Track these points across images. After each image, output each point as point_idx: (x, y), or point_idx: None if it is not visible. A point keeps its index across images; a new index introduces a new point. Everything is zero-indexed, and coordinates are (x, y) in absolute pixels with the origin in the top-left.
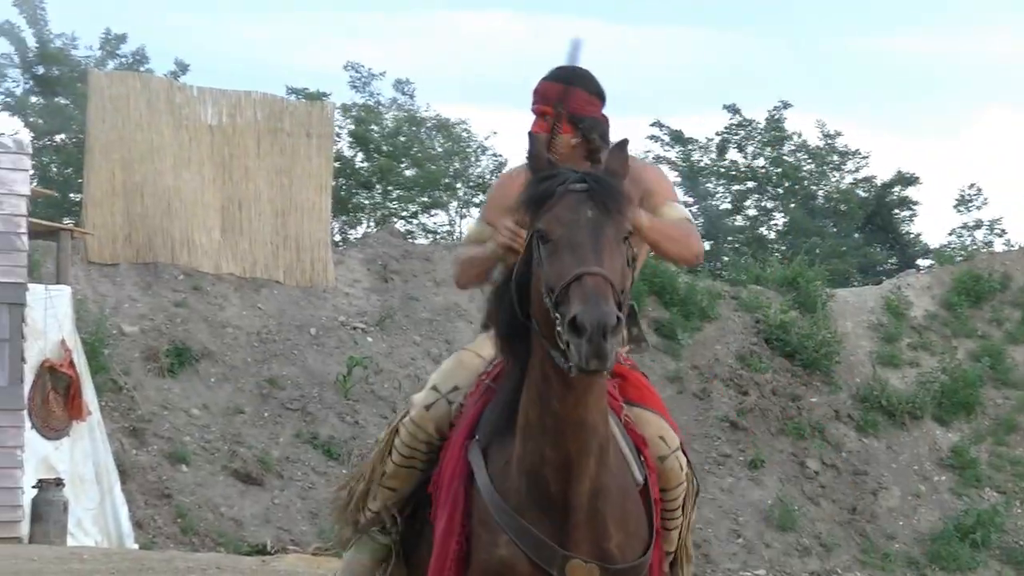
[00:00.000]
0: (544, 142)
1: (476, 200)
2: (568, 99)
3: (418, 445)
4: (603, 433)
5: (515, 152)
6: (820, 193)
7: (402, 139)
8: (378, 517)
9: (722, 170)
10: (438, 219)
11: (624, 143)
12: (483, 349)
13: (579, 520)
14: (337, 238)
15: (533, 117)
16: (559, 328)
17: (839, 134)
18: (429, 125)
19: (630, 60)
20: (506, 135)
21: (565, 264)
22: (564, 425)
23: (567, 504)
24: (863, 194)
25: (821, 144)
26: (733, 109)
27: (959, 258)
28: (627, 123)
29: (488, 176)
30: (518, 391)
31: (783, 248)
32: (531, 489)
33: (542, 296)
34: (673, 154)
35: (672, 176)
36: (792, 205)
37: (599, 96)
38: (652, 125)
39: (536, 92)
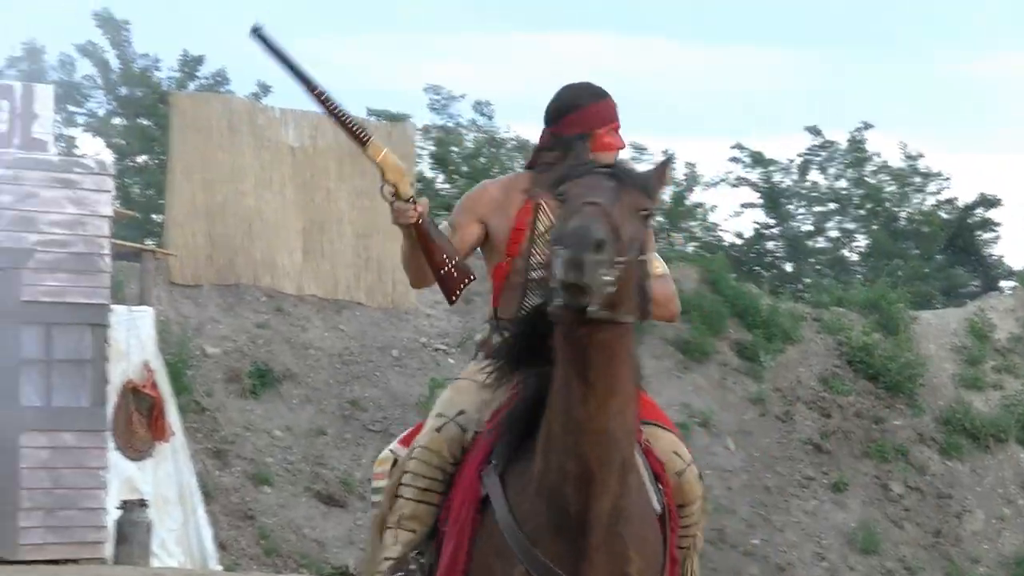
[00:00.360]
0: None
1: None
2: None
3: (433, 473)
4: (626, 449)
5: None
6: (902, 215)
7: (482, 160)
8: (400, 563)
9: (803, 192)
10: None
11: (671, 159)
12: (479, 376)
13: (598, 542)
14: None
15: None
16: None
17: (921, 155)
18: (509, 146)
19: (711, 81)
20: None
21: (567, 210)
22: (586, 435)
23: (587, 524)
24: (945, 216)
25: (903, 165)
26: (815, 130)
27: None
28: (708, 145)
29: None
30: (533, 410)
31: (865, 270)
32: (550, 509)
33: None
34: (754, 176)
35: (753, 197)
36: (874, 227)
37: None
38: (733, 147)
39: (594, 115)
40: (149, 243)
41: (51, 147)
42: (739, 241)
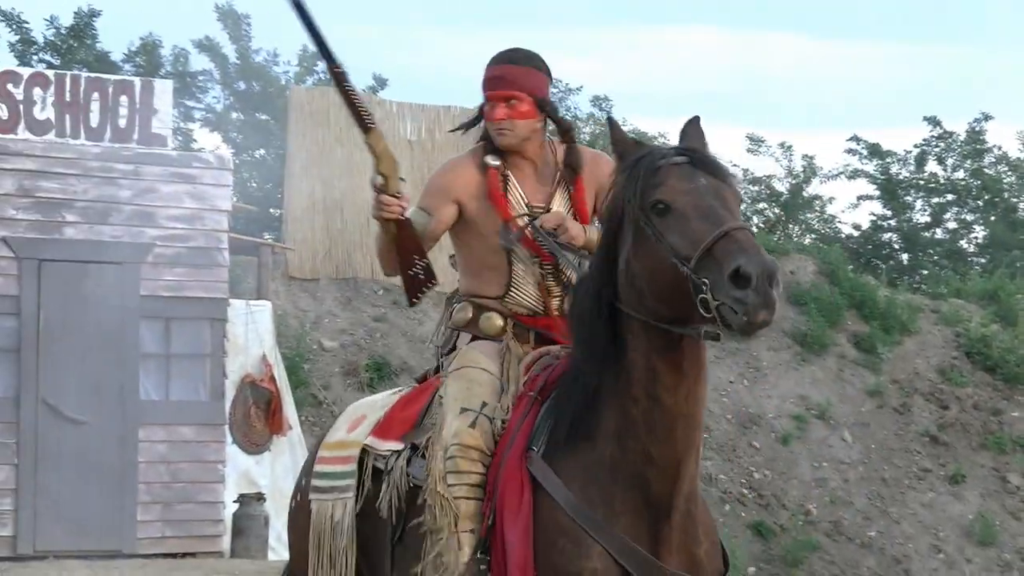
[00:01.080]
0: (620, 126)
1: None
2: (537, 81)
3: (475, 467)
4: (702, 430)
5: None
6: (1021, 205)
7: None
8: (471, 565)
9: (921, 183)
10: None
11: (697, 120)
12: (483, 363)
13: (675, 524)
14: None
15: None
16: (706, 293)
17: None
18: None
19: (829, 74)
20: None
21: (699, 228)
22: (676, 420)
23: (669, 507)
24: None
25: (1022, 156)
26: (933, 121)
27: None
28: (825, 137)
29: None
30: (591, 396)
31: (983, 261)
32: (628, 494)
33: (668, 268)
34: (871, 167)
35: (870, 189)
36: (992, 218)
37: (549, 76)
38: (850, 140)
39: (499, 77)
40: (267, 237)
41: (170, 142)
42: (856, 233)
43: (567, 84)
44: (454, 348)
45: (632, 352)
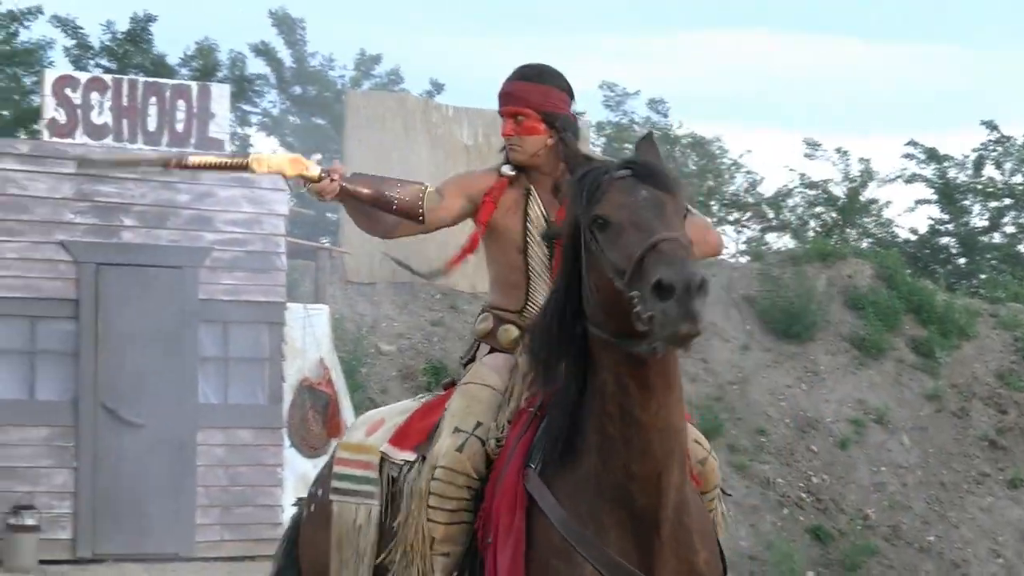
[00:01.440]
0: (574, 142)
1: (730, 217)
2: (546, 98)
3: (460, 493)
4: (684, 437)
5: (769, 169)
6: None
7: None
8: None
9: (979, 187)
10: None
11: (650, 135)
12: (488, 378)
13: (666, 536)
14: None
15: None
16: (638, 306)
17: None
18: (683, 143)
19: (885, 78)
20: (760, 152)
21: (633, 240)
22: (650, 434)
23: (656, 520)
24: None
25: None
26: (991, 125)
27: None
28: (882, 142)
29: (742, 193)
30: (574, 412)
31: None
32: (614, 509)
33: (608, 283)
34: (928, 171)
35: (927, 193)
36: None
37: (569, 93)
38: (907, 144)
39: (508, 93)
40: (324, 242)
41: (227, 146)
42: (914, 237)
43: (624, 88)
44: (474, 359)
45: (602, 369)
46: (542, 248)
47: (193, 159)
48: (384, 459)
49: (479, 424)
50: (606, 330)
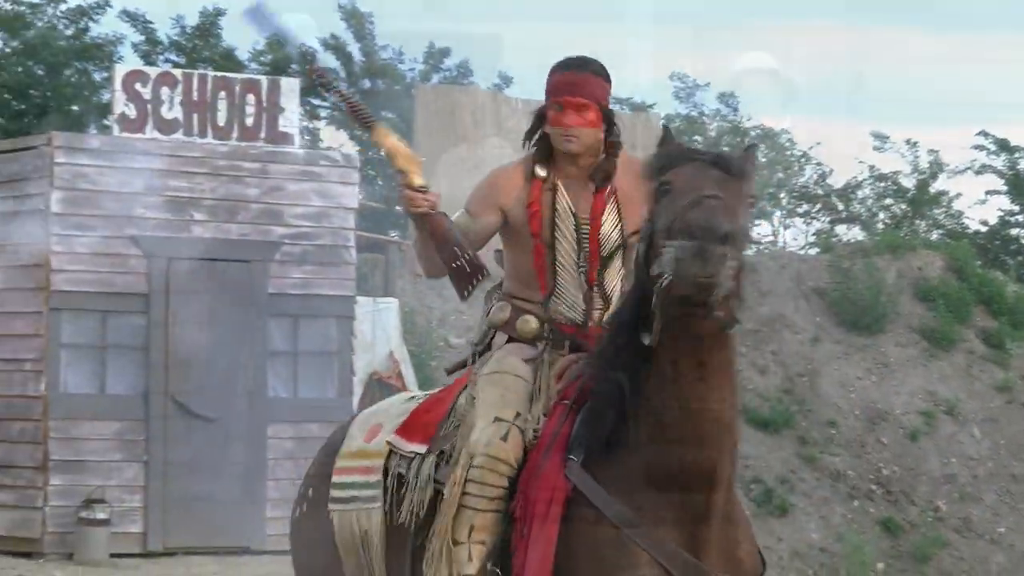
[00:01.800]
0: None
1: (800, 210)
2: (606, 92)
3: (500, 481)
4: (737, 430)
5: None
6: None
7: (725, 150)
8: None
9: None
10: (762, 229)
11: (754, 147)
12: (519, 369)
13: (714, 527)
14: None
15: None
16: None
17: None
18: (752, 135)
19: (954, 69)
20: (830, 144)
21: (682, 200)
22: (706, 424)
23: (707, 512)
24: None
25: None
26: None
27: None
28: (952, 132)
29: (812, 185)
30: (621, 405)
31: None
32: (665, 501)
33: (658, 248)
34: (999, 162)
35: (998, 184)
36: None
37: (611, 85)
38: (977, 135)
39: (573, 83)
40: (393, 235)
41: (297, 140)
42: (984, 228)
43: (694, 80)
44: (489, 347)
45: (661, 360)
46: (570, 242)
47: (342, 88)
48: (391, 453)
49: (518, 414)
50: (658, 294)
